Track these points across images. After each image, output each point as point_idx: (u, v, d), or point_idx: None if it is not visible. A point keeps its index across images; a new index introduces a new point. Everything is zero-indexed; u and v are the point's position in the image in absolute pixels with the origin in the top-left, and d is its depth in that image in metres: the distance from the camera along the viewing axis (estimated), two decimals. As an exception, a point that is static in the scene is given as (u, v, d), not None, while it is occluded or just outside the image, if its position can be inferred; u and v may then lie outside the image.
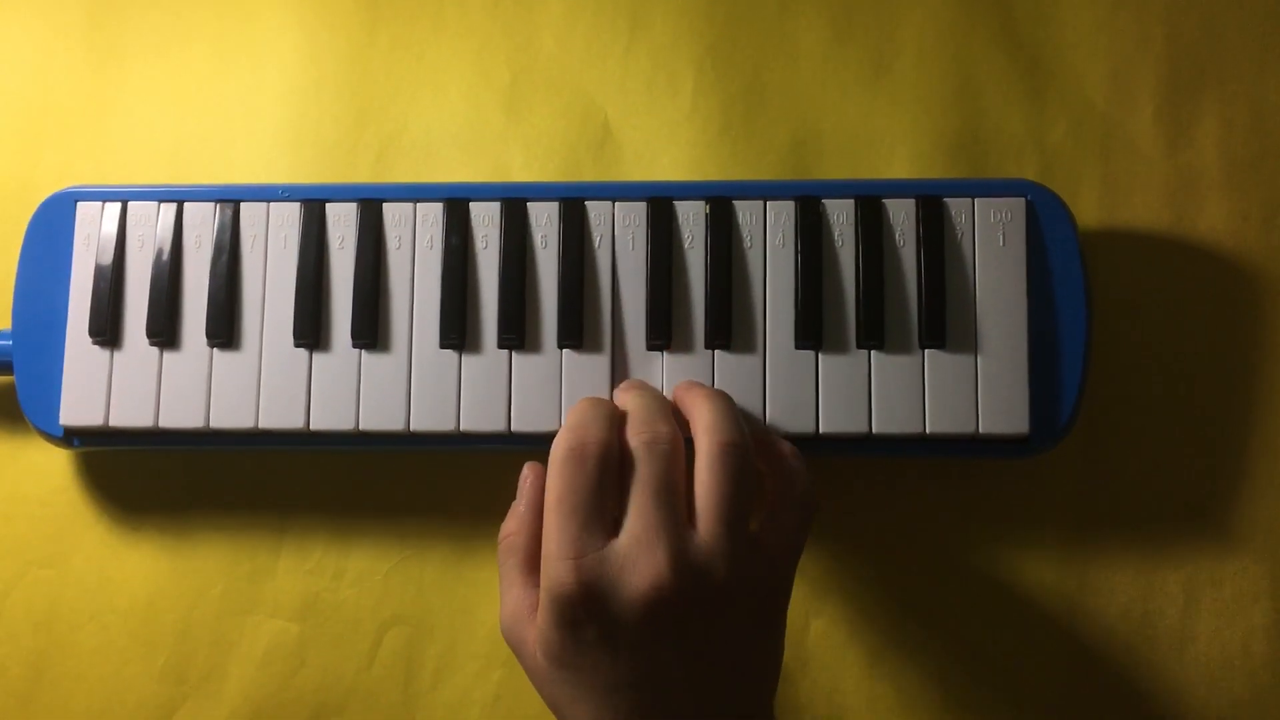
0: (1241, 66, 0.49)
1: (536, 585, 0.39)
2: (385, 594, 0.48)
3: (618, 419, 0.40)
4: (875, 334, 0.44)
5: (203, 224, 0.46)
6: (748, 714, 0.39)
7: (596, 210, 0.45)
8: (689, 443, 0.40)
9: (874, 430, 0.43)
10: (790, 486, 0.41)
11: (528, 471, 0.43)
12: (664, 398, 0.42)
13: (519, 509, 0.42)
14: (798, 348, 0.44)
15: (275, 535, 0.48)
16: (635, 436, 0.39)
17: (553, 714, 0.39)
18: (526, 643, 0.39)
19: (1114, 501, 0.47)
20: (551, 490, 0.38)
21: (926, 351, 0.44)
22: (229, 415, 0.45)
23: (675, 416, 0.41)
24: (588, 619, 0.37)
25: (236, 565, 0.48)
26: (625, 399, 0.42)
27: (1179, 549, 0.47)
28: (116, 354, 0.45)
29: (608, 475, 0.38)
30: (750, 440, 0.40)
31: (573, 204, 0.45)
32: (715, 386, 0.44)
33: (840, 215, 0.45)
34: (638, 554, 0.37)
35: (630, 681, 0.37)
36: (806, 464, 0.41)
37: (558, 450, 0.39)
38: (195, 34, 0.52)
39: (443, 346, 0.45)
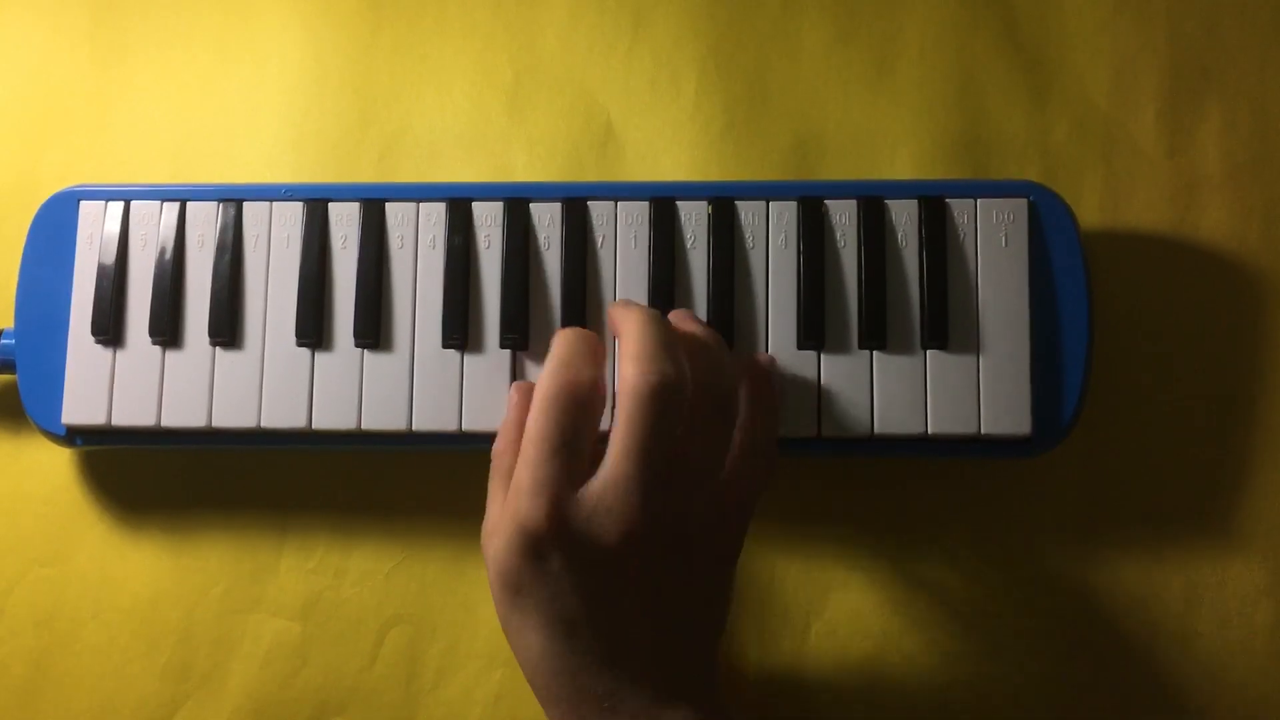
0: (1244, 68, 0.49)
1: None
2: (387, 593, 0.48)
3: (604, 354, 0.41)
4: (877, 335, 0.44)
5: (205, 223, 0.46)
6: (697, 651, 0.39)
7: (599, 210, 0.45)
8: None
9: (876, 431, 0.43)
10: (758, 436, 0.42)
11: (514, 393, 0.43)
12: (669, 327, 0.40)
13: (508, 429, 0.42)
14: (800, 348, 0.44)
15: (277, 534, 0.48)
16: (639, 374, 0.37)
17: (504, 635, 0.39)
18: (493, 559, 0.39)
19: (1116, 502, 0.47)
20: (533, 424, 0.38)
21: (929, 352, 0.44)
22: (231, 414, 0.45)
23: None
24: (554, 552, 0.37)
25: (238, 564, 0.48)
26: (626, 322, 0.40)
27: (1181, 549, 0.47)
28: (119, 353, 0.45)
29: (593, 417, 0.38)
30: (734, 386, 0.40)
31: (575, 204, 0.45)
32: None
33: (843, 216, 0.45)
34: (614, 499, 0.37)
35: (586, 615, 0.37)
36: (775, 409, 0.42)
37: (544, 388, 0.38)
38: (198, 32, 0.52)
39: (445, 346, 0.45)
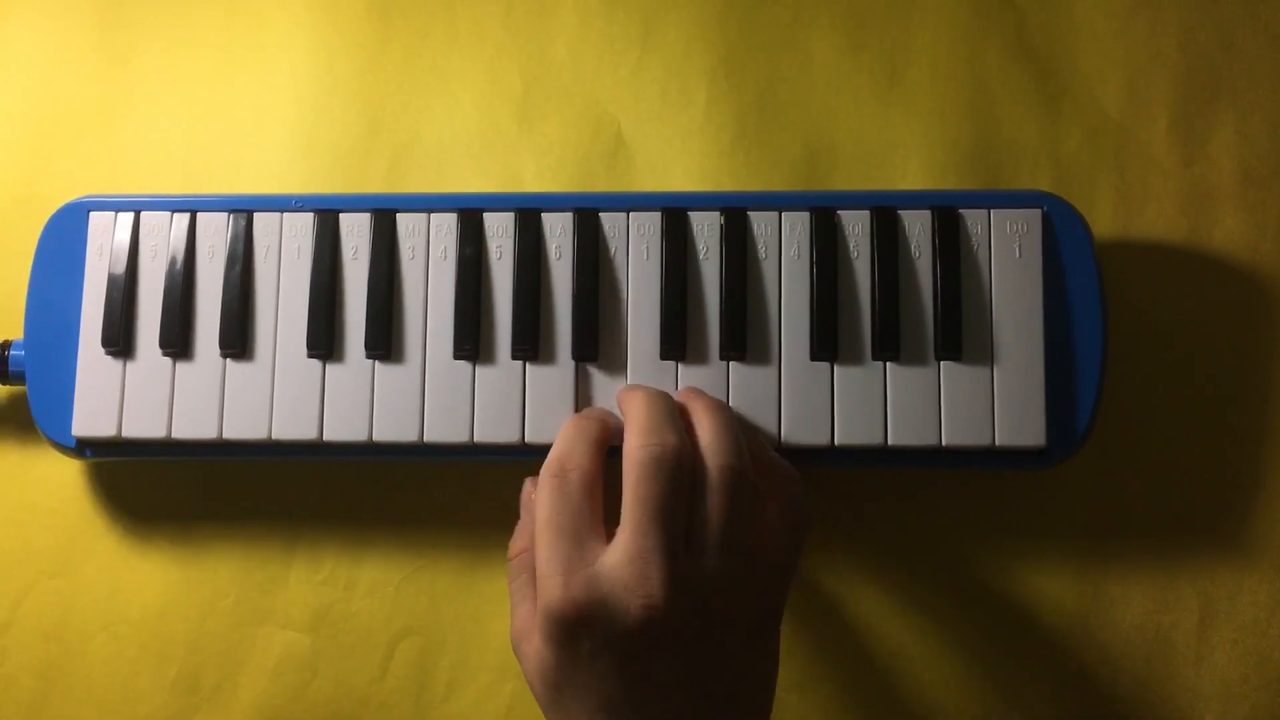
0: (1256, 77, 0.49)
1: None
2: (397, 605, 0.48)
3: (604, 439, 0.41)
4: (891, 346, 0.44)
5: (216, 234, 0.46)
6: None
7: (611, 221, 0.45)
8: None
9: (890, 443, 0.43)
10: (787, 506, 0.41)
11: (529, 487, 0.43)
12: (671, 401, 0.41)
13: (522, 530, 0.42)
14: (813, 359, 0.44)
15: (287, 546, 0.48)
16: (640, 447, 0.38)
17: None
18: (528, 659, 0.39)
19: (1130, 514, 0.47)
20: (540, 510, 0.38)
21: (942, 363, 0.44)
22: (242, 426, 0.45)
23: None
24: (582, 635, 0.37)
25: (248, 576, 0.48)
26: (631, 402, 0.41)
27: (1195, 562, 0.47)
28: (129, 364, 0.45)
29: (593, 496, 0.39)
30: (749, 461, 0.40)
31: (587, 214, 0.45)
32: (729, 398, 0.44)
33: (855, 226, 0.45)
34: (631, 574, 0.36)
35: (625, 698, 0.37)
36: (803, 483, 0.41)
37: (543, 474, 0.39)
38: (206, 42, 0.52)
39: (456, 358, 0.45)
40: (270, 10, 0.52)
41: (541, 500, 0.38)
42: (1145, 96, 0.49)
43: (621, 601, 0.36)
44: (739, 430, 0.40)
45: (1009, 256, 0.44)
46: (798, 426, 0.43)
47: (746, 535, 0.39)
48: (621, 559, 0.37)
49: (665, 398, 0.41)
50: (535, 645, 0.38)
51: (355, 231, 0.46)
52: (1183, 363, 0.48)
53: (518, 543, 0.42)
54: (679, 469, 0.38)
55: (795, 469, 0.42)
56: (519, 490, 0.44)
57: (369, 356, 0.45)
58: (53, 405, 0.45)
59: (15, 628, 0.48)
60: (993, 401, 0.43)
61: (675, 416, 0.40)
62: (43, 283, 0.46)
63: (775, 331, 0.44)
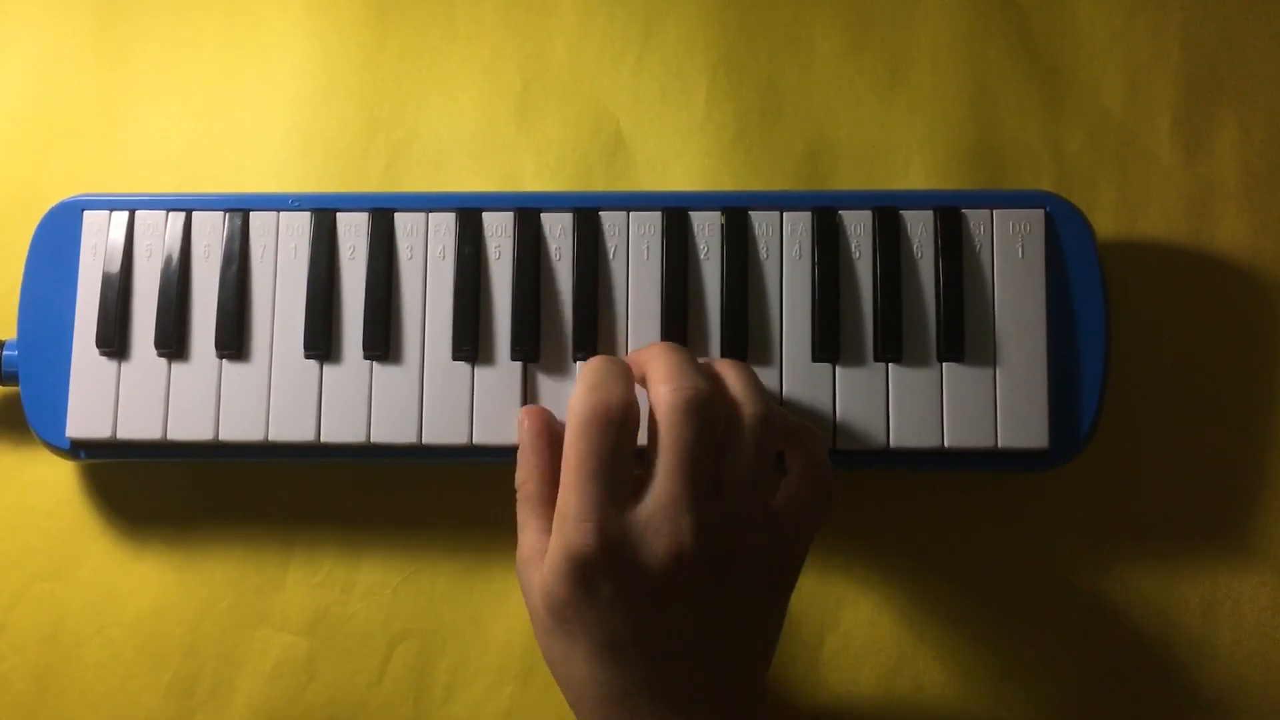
0: (1259, 77, 0.49)
1: (549, 531, 0.39)
2: (395, 607, 0.47)
3: (632, 377, 0.40)
4: (893, 347, 0.43)
5: (212, 233, 0.45)
6: (745, 680, 0.39)
7: (611, 221, 0.45)
8: None
9: (892, 444, 0.43)
10: (810, 461, 0.41)
11: (523, 417, 0.42)
12: (691, 354, 0.41)
13: (525, 457, 0.41)
14: (815, 360, 0.44)
15: (284, 548, 0.48)
16: (673, 390, 0.37)
17: (547, 667, 0.39)
18: (533, 586, 0.39)
19: (1133, 514, 0.47)
20: (572, 452, 0.37)
21: (945, 364, 0.43)
22: (238, 427, 0.44)
23: None
24: (604, 579, 0.36)
25: (245, 578, 0.48)
26: (651, 353, 0.40)
27: (1198, 563, 0.46)
28: (124, 365, 0.45)
29: (629, 437, 0.38)
30: (777, 410, 0.40)
31: (587, 214, 0.45)
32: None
33: (857, 227, 0.44)
34: (661, 520, 0.36)
35: (634, 639, 0.37)
36: (826, 444, 0.42)
37: (579, 412, 0.37)
38: (204, 40, 0.51)
39: (455, 358, 0.44)
40: (268, 9, 0.51)
41: (574, 441, 0.37)
42: (1148, 96, 0.49)
43: (650, 547, 0.36)
44: (760, 384, 0.40)
45: (1011, 257, 0.44)
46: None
47: (771, 487, 0.39)
48: (653, 504, 0.37)
49: (686, 349, 0.41)
50: (545, 578, 0.38)
51: (353, 231, 0.45)
52: (1185, 363, 0.47)
53: (522, 469, 0.41)
54: (713, 413, 0.37)
55: (818, 428, 0.42)
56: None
57: (367, 357, 0.44)
58: (47, 406, 0.45)
59: (9, 630, 0.48)
60: (995, 403, 0.43)
61: (699, 365, 0.39)
62: (36, 282, 0.46)
63: (776, 332, 0.44)
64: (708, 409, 0.37)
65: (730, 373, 0.40)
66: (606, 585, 0.36)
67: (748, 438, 0.38)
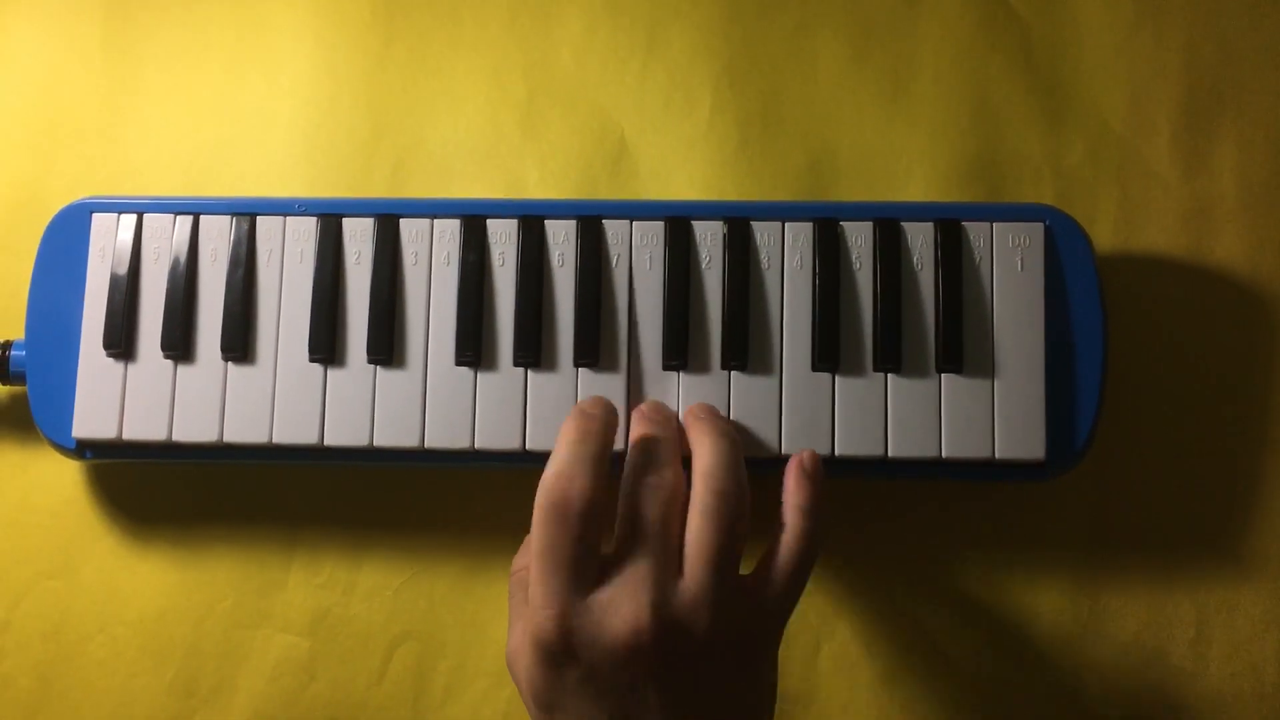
0: (1259, 92, 0.49)
1: None
2: (396, 610, 0.48)
3: (605, 455, 0.39)
4: (892, 357, 0.44)
5: (218, 237, 0.46)
6: None
7: (614, 229, 0.45)
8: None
9: (890, 454, 0.43)
10: (793, 536, 0.40)
11: (540, 495, 0.42)
12: (675, 433, 0.42)
13: (528, 544, 0.42)
14: (814, 370, 0.44)
15: (286, 549, 0.48)
16: (638, 476, 0.39)
17: None
18: (520, 678, 0.39)
19: (1128, 527, 0.47)
20: (536, 538, 0.38)
21: (943, 376, 0.44)
22: (243, 430, 0.45)
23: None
24: (569, 663, 0.37)
25: (247, 579, 0.48)
26: (635, 430, 0.42)
27: (1193, 575, 0.47)
28: (130, 366, 0.45)
29: (591, 526, 0.38)
30: (746, 486, 0.39)
31: (590, 222, 0.45)
32: (730, 408, 0.44)
33: (858, 238, 0.45)
34: (621, 600, 0.37)
35: None
36: (818, 516, 0.40)
37: (541, 501, 0.38)
38: (211, 46, 0.52)
39: (458, 364, 0.45)
40: (275, 14, 0.52)
41: (538, 529, 0.38)
42: (1148, 110, 0.49)
43: (610, 629, 0.36)
44: (739, 454, 0.40)
45: (1011, 269, 0.44)
46: (798, 437, 0.44)
47: (736, 559, 0.39)
48: (613, 586, 0.37)
49: (669, 429, 0.42)
50: (526, 667, 0.38)
51: (358, 236, 0.46)
52: (1182, 377, 0.48)
53: (518, 559, 0.42)
54: (671, 498, 0.39)
55: (813, 500, 0.41)
56: (519, 496, 0.44)
57: (371, 361, 0.45)
58: (53, 406, 0.45)
59: (13, 628, 0.48)
60: (993, 414, 0.43)
61: (675, 450, 0.41)
62: (44, 283, 0.46)
63: (777, 341, 0.44)
64: (667, 494, 0.38)
65: (704, 442, 0.40)
66: (573, 671, 0.37)
67: (712, 516, 0.38)
